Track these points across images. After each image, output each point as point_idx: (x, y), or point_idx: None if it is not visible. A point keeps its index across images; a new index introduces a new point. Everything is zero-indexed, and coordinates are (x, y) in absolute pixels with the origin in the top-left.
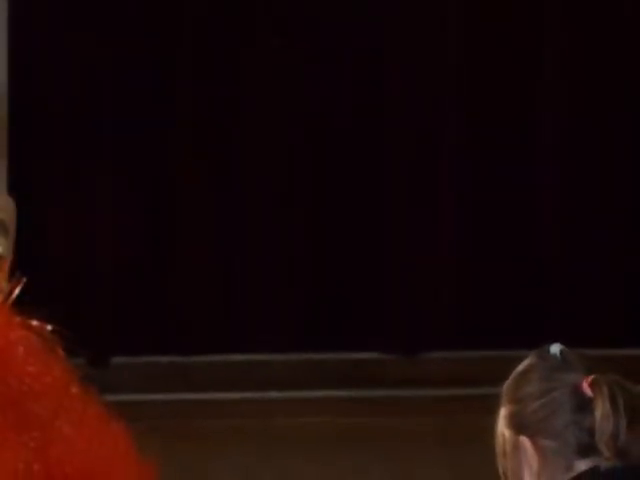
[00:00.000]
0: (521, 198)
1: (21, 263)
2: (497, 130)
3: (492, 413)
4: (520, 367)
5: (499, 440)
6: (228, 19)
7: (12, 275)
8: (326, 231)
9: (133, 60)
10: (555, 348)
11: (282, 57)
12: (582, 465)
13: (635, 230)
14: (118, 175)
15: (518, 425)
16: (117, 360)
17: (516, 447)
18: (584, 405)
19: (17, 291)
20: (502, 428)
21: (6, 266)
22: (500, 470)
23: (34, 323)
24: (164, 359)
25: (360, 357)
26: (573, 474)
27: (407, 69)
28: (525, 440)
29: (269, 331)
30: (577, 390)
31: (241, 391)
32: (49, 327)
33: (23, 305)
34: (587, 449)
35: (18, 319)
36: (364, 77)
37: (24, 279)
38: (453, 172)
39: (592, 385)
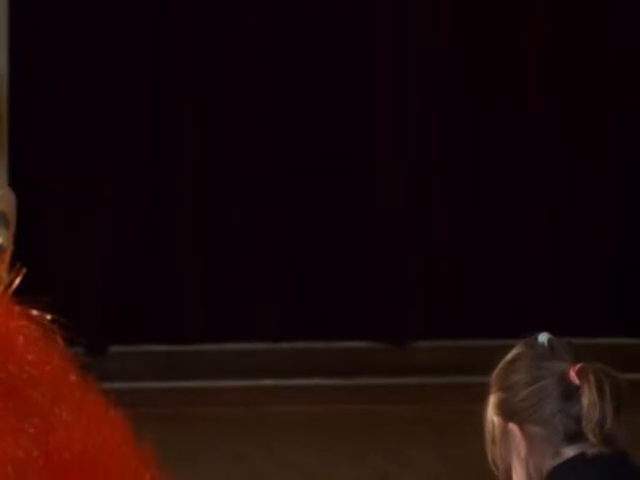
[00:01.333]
0: (511, 196)
1: (20, 255)
2: (489, 131)
3: (481, 401)
4: (509, 355)
5: (488, 427)
6: (224, 19)
7: (12, 266)
8: (320, 224)
9: (133, 60)
10: (543, 337)
11: (276, 58)
12: (569, 451)
13: (616, 227)
14: (117, 170)
15: (507, 412)
16: (115, 349)
17: (505, 434)
18: (571, 393)
19: (17, 281)
20: (491, 415)
21: (7, 257)
22: (489, 456)
23: (34, 313)
24: (160, 348)
25: (352, 346)
26: (561, 460)
27: (399, 67)
28: (514, 427)
29: (263, 321)
30: (565, 378)
31: (235, 379)
32: (48, 317)
33: (23, 295)
34: (574, 436)
35: (18, 309)
36: (355, 78)
37: (24, 270)
38: (447, 169)
39: (579, 373)
